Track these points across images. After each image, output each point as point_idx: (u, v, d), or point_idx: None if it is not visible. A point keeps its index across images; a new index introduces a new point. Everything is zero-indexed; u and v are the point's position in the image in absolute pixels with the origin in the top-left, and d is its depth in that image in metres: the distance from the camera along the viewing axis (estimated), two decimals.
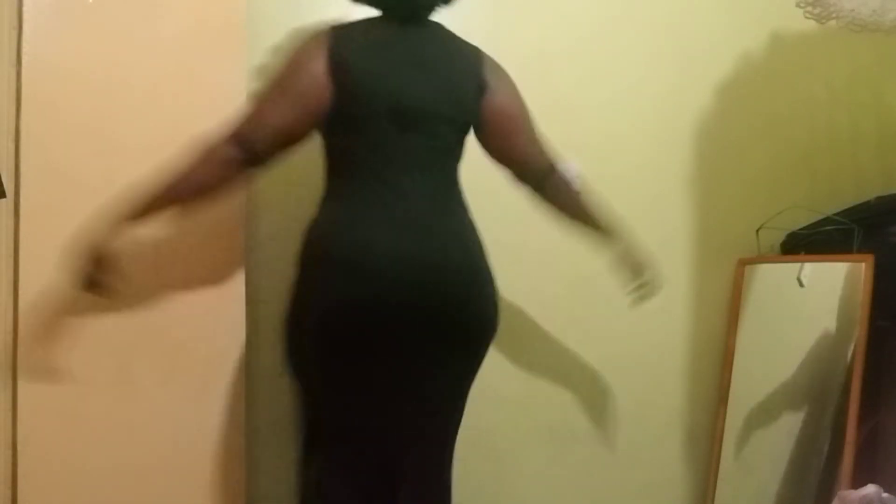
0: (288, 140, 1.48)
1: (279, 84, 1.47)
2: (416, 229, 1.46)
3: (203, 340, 1.71)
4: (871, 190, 2.17)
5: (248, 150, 1.44)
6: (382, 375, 1.46)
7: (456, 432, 1.61)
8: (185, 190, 1.44)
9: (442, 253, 1.47)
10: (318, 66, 1.45)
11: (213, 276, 1.72)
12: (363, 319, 1.41)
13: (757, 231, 2.19)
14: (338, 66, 1.45)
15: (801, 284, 2.09)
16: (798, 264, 2.10)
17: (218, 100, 1.64)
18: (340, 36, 1.49)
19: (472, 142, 1.64)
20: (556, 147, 2.13)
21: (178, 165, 1.44)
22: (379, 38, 1.52)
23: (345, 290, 1.42)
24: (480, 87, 1.58)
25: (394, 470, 1.50)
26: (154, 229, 1.64)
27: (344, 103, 1.46)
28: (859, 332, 1.89)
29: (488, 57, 1.63)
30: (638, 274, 1.76)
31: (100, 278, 1.43)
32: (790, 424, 2.02)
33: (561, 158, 1.75)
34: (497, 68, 1.64)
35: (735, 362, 2.18)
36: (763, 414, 2.11)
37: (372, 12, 1.55)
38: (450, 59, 1.58)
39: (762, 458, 2.07)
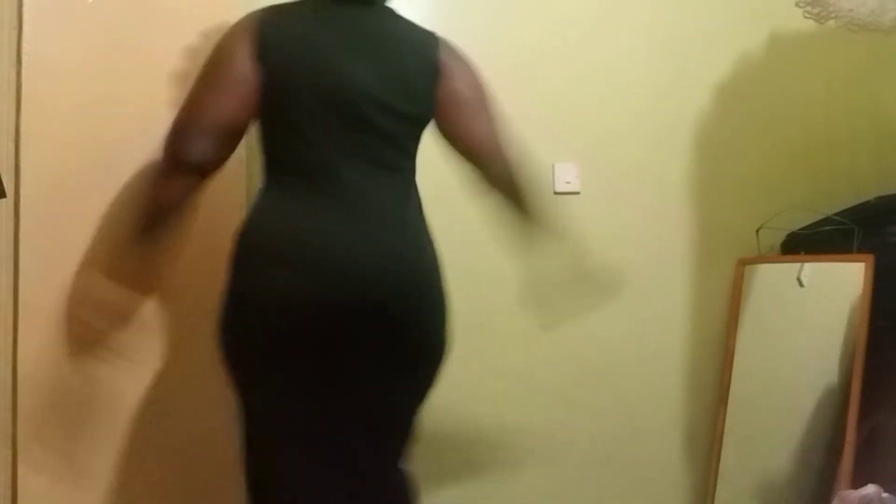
0: (226, 137, 1.38)
1: (203, 79, 1.38)
2: (365, 226, 1.36)
3: (203, 340, 1.71)
4: (869, 190, 2.17)
5: (185, 164, 1.35)
6: (321, 379, 1.36)
7: (405, 442, 1.52)
8: (161, 217, 1.38)
9: (394, 255, 1.37)
10: (243, 52, 1.35)
11: (214, 276, 1.72)
12: (303, 318, 1.31)
13: (757, 231, 2.19)
14: (264, 50, 1.35)
15: (801, 284, 2.09)
16: (798, 264, 2.09)
17: None
18: (270, 17, 1.39)
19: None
20: (554, 148, 2.15)
21: (138, 198, 1.40)
22: (316, 19, 1.41)
23: (286, 285, 1.32)
24: (435, 73, 1.46)
25: (345, 469, 1.40)
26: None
27: (275, 89, 1.36)
28: (859, 332, 1.89)
29: (445, 40, 1.51)
30: (589, 280, 1.69)
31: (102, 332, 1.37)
32: (790, 424, 2.02)
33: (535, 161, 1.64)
34: (455, 52, 1.51)
35: (735, 362, 2.18)
36: (763, 414, 2.10)
37: None
38: (399, 44, 1.46)
39: (762, 458, 2.07)
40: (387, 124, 1.41)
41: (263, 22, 1.39)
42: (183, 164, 1.37)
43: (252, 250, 1.38)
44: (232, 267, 1.39)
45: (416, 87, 1.45)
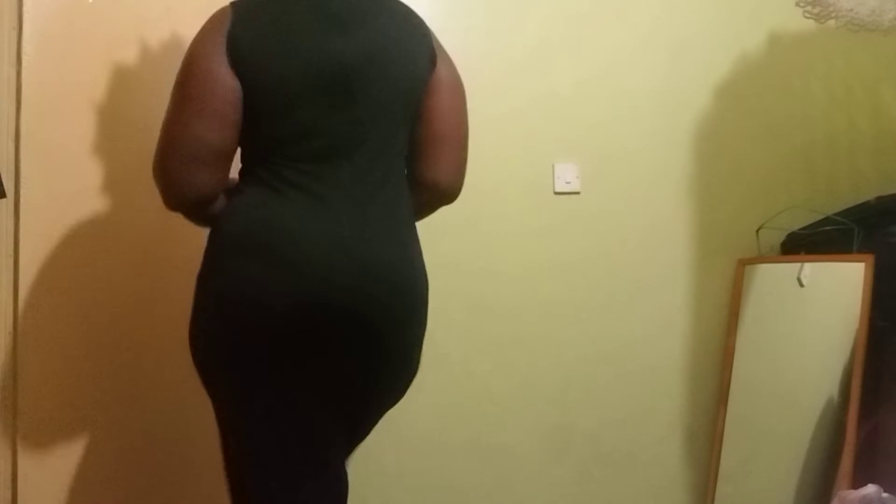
0: (219, 160, 1.27)
1: (179, 98, 1.27)
2: (350, 226, 1.26)
3: None
4: (869, 190, 2.17)
5: (182, 204, 1.29)
6: (298, 384, 1.27)
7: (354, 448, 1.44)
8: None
9: (380, 258, 1.28)
10: (218, 59, 1.24)
11: None
12: (282, 319, 1.22)
13: (757, 231, 2.19)
14: (239, 52, 1.25)
15: (801, 284, 2.09)
16: (798, 264, 2.09)
17: None
18: (241, 10, 1.29)
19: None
20: (554, 148, 2.15)
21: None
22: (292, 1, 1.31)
23: (256, 278, 1.22)
24: (432, 60, 1.37)
25: (322, 476, 1.32)
26: (153, 226, 1.64)
27: (257, 87, 1.26)
28: (859, 332, 1.89)
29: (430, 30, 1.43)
30: None
31: None
32: (790, 424, 2.02)
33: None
34: (441, 45, 1.42)
35: (735, 362, 2.18)
36: (763, 414, 2.10)
37: None
38: (391, 21, 1.36)
39: (762, 458, 2.07)
40: (376, 105, 1.31)
41: (235, 17, 1.28)
42: (181, 205, 1.31)
43: (220, 244, 1.29)
44: (204, 267, 1.30)
45: (414, 65, 1.36)
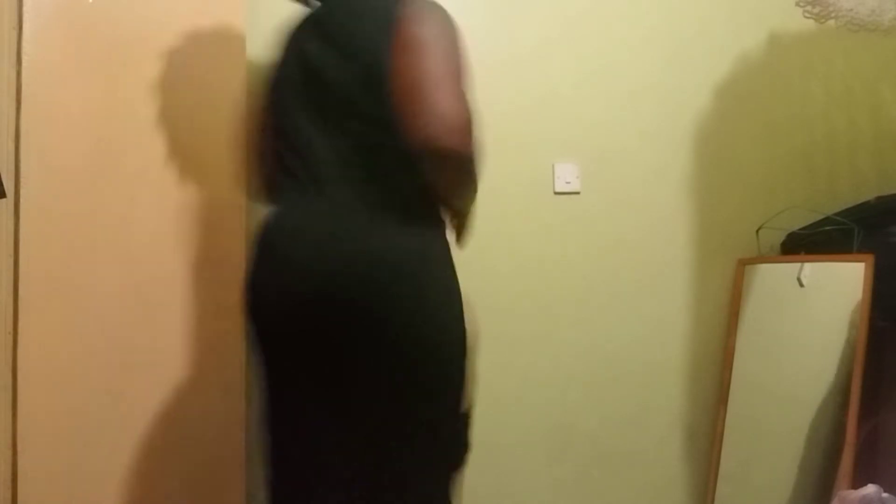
0: (257, 156, 1.52)
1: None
2: (306, 217, 1.32)
3: (203, 337, 1.71)
4: (869, 190, 2.17)
5: (469, 158, 1.30)
6: (286, 382, 1.33)
7: (414, 478, 1.35)
8: None
9: (325, 247, 1.26)
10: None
11: (214, 271, 1.72)
12: (269, 312, 1.33)
13: (757, 231, 2.19)
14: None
15: (801, 284, 2.08)
16: (798, 264, 2.09)
17: (217, 99, 1.64)
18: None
19: None
20: (554, 148, 2.16)
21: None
22: None
23: (254, 279, 1.36)
24: (389, 24, 1.28)
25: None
26: (153, 226, 1.64)
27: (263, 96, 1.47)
28: (859, 332, 1.89)
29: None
30: None
31: None
32: (790, 424, 2.02)
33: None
34: (422, 4, 1.32)
35: (735, 362, 2.18)
36: (763, 414, 2.10)
37: None
38: (351, 9, 1.38)
39: (762, 458, 2.07)
40: (342, 92, 1.31)
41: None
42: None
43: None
44: None
45: (368, 45, 1.30)
